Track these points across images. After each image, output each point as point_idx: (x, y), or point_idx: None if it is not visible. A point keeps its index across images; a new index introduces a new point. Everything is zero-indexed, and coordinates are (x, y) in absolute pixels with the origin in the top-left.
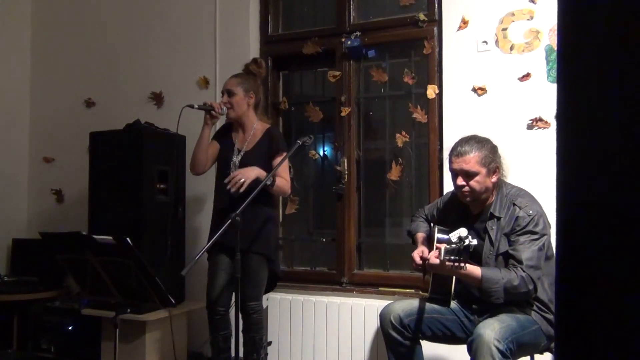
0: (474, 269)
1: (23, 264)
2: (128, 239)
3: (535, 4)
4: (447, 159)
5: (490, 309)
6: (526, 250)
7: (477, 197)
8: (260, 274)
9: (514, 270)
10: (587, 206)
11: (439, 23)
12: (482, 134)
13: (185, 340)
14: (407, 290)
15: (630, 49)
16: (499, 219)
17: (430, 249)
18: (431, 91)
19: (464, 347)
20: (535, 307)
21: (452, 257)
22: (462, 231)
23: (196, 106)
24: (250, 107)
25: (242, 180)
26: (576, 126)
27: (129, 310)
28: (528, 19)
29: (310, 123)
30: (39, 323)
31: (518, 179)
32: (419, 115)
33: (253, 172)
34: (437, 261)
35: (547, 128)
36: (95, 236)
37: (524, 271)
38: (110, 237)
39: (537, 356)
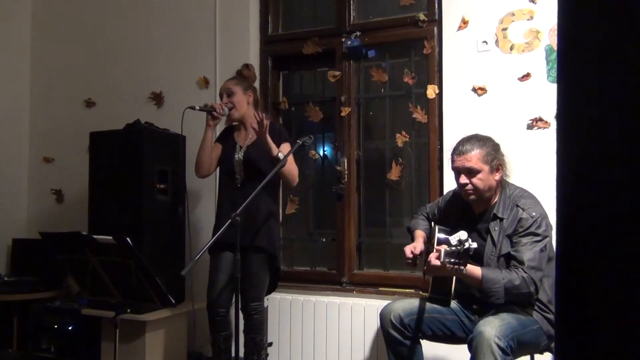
0: (475, 270)
1: (23, 264)
2: (128, 239)
3: (535, 4)
4: (450, 159)
5: (490, 309)
6: (528, 252)
7: (481, 195)
8: (262, 274)
9: (515, 271)
10: (587, 206)
11: (439, 23)
12: (482, 133)
13: (185, 340)
14: (407, 290)
15: (631, 49)
16: (501, 220)
17: (429, 248)
18: (431, 91)
19: (464, 346)
20: (536, 307)
21: (452, 260)
22: (462, 234)
23: (197, 108)
24: (250, 105)
25: (266, 124)
26: (576, 126)
27: (129, 310)
28: (528, 19)
29: (310, 123)
30: (39, 323)
31: (518, 179)
32: (419, 115)
33: (271, 142)
34: (437, 263)
35: (547, 128)
36: (95, 236)
37: (525, 272)
38: (110, 237)
39: (537, 356)
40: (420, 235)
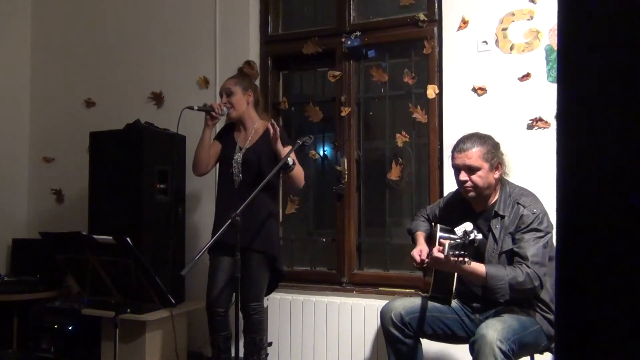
0: (479, 266)
1: (23, 264)
2: (128, 239)
3: (535, 4)
4: (450, 157)
5: (491, 308)
6: (531, 247)
7: (481, 192)
8: (261, 274)
9: (519, 267)
10: (587, 206)
11: (439, 23)
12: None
13: (185, 340)
14: (407, 290)
15: (631, 49)
16: (502, 217)
17: (430, 248)
18: (431, 91)
19: (464, 346)
20: (536, 308)
21: (457, 252)
22: (468, 225)
23: (196, 107)
24: (250, 105)
25: (278, 130)
26: (576, 126)
27: (129, 310)
28: (528, 19)
29: (310, 123)
30: (39, 323)
31: (518, 179)
32: (419, 115)
33: (280, 145)
34: (441, 256)
35: (547, 128)
36: (95, 236)
37: (529, 267)
38: (110, 237)
39: (537, 356)
40: (421, 236)
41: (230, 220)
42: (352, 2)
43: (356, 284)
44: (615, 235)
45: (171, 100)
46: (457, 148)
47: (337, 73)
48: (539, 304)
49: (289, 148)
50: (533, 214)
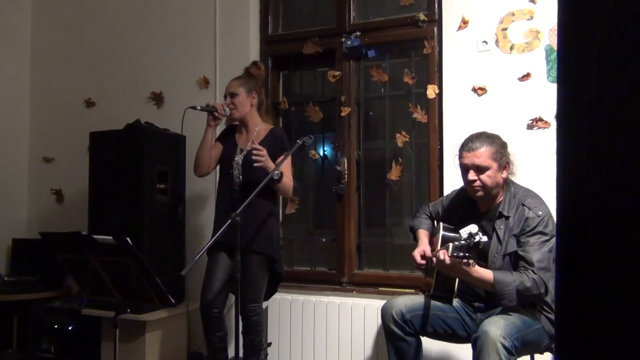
0: (486, 272)
1: (23, 264)
2: (128, 239)
3: (535, 4)
4: (457, 155)
5: (493, 308)
6: (537, 252)
7: (489, 192)
8: (260, 275)
9: (525, 272)
10: (587, 206)
11: (439, 23)
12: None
13: (185, 340)
14: (407, 290)
15: (631, 49)
16: (507, 218)
17: (432, 247)
18: (431, 91)
19: (465, 345)
20: (539, 307)
21: (461, 254)
22: (473, 227)
23: (199, 107)
24: (253, 108)
25: (263, 157)
26: (576, 126)
27: (129, 310)
28: (528, 19)
29: (310, 123)
30: (39, 323)
31: (518, 179)
32: (419, 115)
33: (269, 161)
34: (448, 261)
35: (547, 128)
36: (95, 236)
37: (535, 273)
38: (110, 237)
39: (537, 356)
40: (424, 235)
41: (230, 221)
42: (352, 2)
43: (356, 284)
44: (615, 235)
45: (171, 100)
46: (466, 147)
47: (337, 73)
48: (542, 304)
49: (280, 158)
50: (538, 216)
